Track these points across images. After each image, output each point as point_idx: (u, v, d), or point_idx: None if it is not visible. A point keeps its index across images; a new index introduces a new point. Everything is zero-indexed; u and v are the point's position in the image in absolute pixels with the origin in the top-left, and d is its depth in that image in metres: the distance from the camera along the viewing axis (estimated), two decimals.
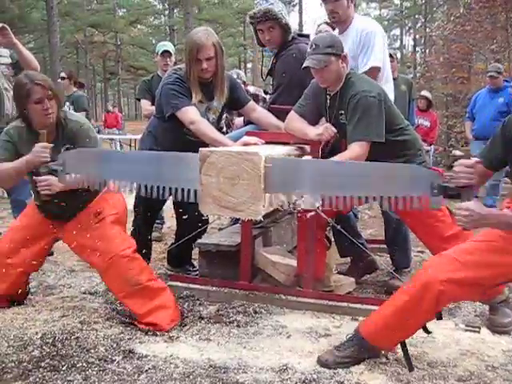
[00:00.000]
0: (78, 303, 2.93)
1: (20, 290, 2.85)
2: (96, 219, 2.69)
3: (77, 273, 3.54)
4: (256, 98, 4.38)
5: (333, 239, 3.14)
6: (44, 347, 2.33)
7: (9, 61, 3.68)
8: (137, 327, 2.56)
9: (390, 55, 3.92)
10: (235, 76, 4.39)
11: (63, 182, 2.48)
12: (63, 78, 5.74)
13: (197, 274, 3.32)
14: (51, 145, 2.51)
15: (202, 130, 2.83)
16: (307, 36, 3.44)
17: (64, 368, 2.17)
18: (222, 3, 28.97)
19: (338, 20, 3.09)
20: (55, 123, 2.62)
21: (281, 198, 2.32)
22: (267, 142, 2.83)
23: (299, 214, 2.75)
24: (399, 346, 2.19)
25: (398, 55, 25.38)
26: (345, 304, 2.78)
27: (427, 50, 19.13)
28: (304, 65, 2.68)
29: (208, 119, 2.98)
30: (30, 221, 2.80)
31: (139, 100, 4.63)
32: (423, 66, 13.91)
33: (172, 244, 3.50)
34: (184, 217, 3.14)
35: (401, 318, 2.12)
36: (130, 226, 3.18)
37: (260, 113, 3.18)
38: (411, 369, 2.16)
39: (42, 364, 2.19)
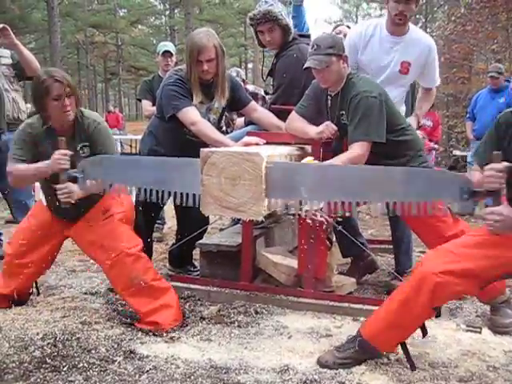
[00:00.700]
0: (79, 304, 2.93)
1: (25, 291, 2.86)
2: (104, 216, 2.69)
3: (78, 273, 3.54)
4: (255, 96, 4.38)
5: (334, 239, 3.14)
6: (45, 348, 2.33)
7: (9, 61, 3.68)
8: (137, 328, 2.56)
9: None
10: (235, 74, 4.39)
11: (84, 189, 2.49)
12: None
13: (198, 275, 3.32)
14: (71, 152, 2.50)
15: (202, 131, 2.83)
16: (308, 36, 3.44)
17: (65, 368, 2.17)
18: (223, 3, 28.97)
19: (404, 23, 3.03)
20: (72, 121, 2.61)
21: (279, 203, 2.31)
22: (268, 143, 2.83)
23: (308, 220, 2.73)
24: (399, 346, 2.19)
25: None
26: (346, 304, 2.78)
27: None
28: (305, 65, 2.69)
29: (209, 120, 2.98)
30: (38, 221, 2.80)
31: (140, 100, 4.63)
32: None
33: (173, 244, 3.50)
34: (185, 217, 3.14)
35: (399, 315, 2.13)
36: None
37: (261, 113, 3.18)
38: (413, 368, 2.16)
39: (43, 365, 2.19)
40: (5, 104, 3.62)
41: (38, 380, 2.09)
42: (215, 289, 3.01)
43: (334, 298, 2.86)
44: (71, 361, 2.22)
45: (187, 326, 2.63)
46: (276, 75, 3.28)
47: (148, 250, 3.31)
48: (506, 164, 1.93)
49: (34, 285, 2.98)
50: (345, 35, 3.48)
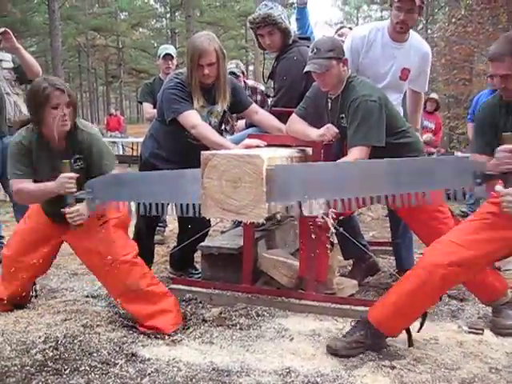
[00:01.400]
0: (81, 307, 2.93)
1: (24, 293, 2.86)
2: (99, 222, 2.68)
3: (79, 276, 3.54)
4: (254, 90, 4.39)
5: (336, 241, 3.14)
6: (47, 351, 2.33)
7: (11, 65, 3.68)
8: (139, 331, 2.56)
9: None
10: (234, 66, 4.40)
11: (93, 210, 2.49)
12: None
13: (199, 277, 3.32)
14: (77, 175, 2.48)
15: (203, 134, 2.83)
16: (308, 38, 3.45)
17: (67, 371, 2.17)
18: (224, 6, 29.05)
19: (405, 31, 3.05)
20: (66, 132, 2.55)
21: (280, 205, 2.31)
22: (269, 145, 2.83)
23: (310, 223, 2.73)
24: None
25: None
26: (347, 307, 2.78)
27: None
28: (305, 69, 2.69)
29: (210, 123, 2.98)
30: (36, 224, 2.79)
31: (141, 103, 4.63)
32: None
33: (174, 247, 3.50)
34: (186, 220, 3.14)
35: (407, 304, 2.23)
36: (132, 229, 3.18)
37: (262, 115, 3.18)
38: (411, 344, 2.32)
39: (45, 368, 2.19)
40: (6, 107, 3.63)
41: (40, 383, 2.09)
42: (217, 291, 3.00)
43: (336, 300, 2.85)
44: (73, 364, 2.23)
45: (189, 328, 2.63)
46: (276, 78, 3.28)
47: (149, 252, 3.32)
48: None
49: (33, 287, 2.97)
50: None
